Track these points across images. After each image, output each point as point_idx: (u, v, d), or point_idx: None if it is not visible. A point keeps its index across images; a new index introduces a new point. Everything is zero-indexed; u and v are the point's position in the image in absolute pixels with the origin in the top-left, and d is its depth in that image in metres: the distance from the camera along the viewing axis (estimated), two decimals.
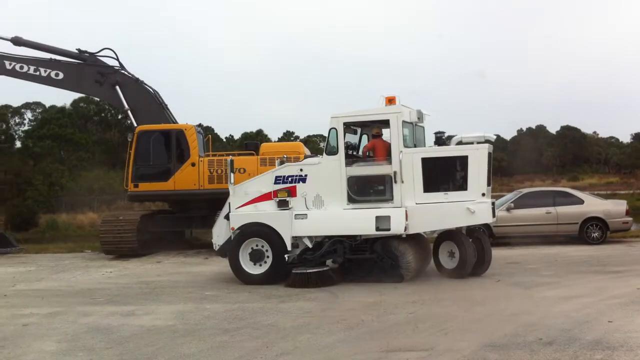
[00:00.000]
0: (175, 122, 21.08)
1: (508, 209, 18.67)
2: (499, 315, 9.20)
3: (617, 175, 73.70)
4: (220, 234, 13.34)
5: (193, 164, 19.25)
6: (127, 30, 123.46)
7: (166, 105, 21.35)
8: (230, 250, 12.89)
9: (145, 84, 21.14)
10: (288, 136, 76.62)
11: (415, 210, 11.98)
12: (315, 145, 54.04)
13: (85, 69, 20.89)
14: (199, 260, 17.29)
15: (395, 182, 12.08)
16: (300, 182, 12.63)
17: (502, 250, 17.41)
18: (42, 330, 9.12)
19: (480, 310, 9.58)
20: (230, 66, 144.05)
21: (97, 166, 53.05)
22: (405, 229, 11.91)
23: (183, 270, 14.84)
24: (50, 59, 20.99)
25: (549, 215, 18.36)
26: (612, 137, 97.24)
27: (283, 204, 12.62)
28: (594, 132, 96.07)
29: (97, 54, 20.98)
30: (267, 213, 12.69)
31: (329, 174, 12.42)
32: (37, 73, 20.77)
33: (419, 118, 12.69)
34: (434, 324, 8.70)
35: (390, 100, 12.23)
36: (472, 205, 11.83)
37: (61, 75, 20.73)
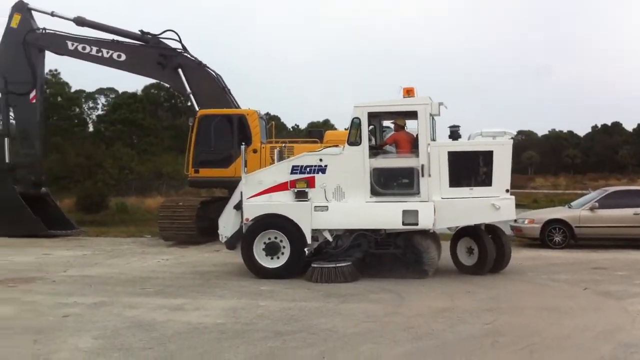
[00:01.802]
0: (237, 107, 20.39)
1: (592, 209, 17.15)
2: (590, 332, 7.97)
3: None
4: (227, 224, 12.66)
5: (255, 151, 18.51)
6: (189, 14, 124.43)
7: (229, 89, 20.70)
8: (243, 242, 12.19)
9: (208, 67, 20.53)
10: None
11: (442, 205, 11.64)
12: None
13: (148, 51, 20.44)
14: None
15: (423, 175, 11.62)
16: (320, 172, 12.01)
17: (585, 252, 16.01)
18: (82, 324, 8.43)
19: (569, 324, 8.36)
20: (297, 59, 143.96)
21: (166, 151, 53.46)
22: (434, 223, 11.48)
23: (241, 261, 14.02)
24: (113, 40, 20.64)
25: (638, 216, 16.73)
26: None
27: (301, 195, 11.97)
28: None
29: (160, 36, 20.49)
30: (285, 204, 12.02)
31: (350, 165, 11.86)
32: (99, 54, 20.48)
33: (438, 111, 12.14)
34: (515, 339, 7.56)
35: (409, 92, 11.81)
36: (497, 202, 11.60)
37: (123, 57, 20.36)
